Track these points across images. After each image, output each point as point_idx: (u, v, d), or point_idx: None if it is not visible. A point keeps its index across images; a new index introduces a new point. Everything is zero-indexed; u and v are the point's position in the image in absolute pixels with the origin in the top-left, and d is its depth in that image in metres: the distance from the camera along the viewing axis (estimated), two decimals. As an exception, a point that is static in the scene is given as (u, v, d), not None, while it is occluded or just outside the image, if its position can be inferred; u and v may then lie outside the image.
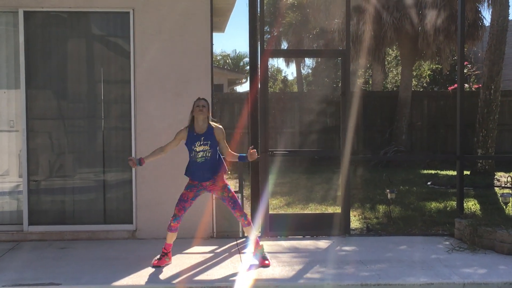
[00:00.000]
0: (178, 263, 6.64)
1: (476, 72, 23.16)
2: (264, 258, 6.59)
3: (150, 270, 6.38)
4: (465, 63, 21.49)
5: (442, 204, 11.03)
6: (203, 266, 6.58)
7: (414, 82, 25.37)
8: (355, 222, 9.33)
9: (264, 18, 8.33)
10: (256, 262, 6.52)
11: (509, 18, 14.98)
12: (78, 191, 8.14)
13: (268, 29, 33.72)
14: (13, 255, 7.10)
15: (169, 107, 7.92)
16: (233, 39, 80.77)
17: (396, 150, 17.90)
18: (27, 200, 7.90)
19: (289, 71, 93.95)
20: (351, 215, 8.67)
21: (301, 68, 38.07)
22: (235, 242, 7.73)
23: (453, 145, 17.09)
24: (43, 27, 8.03)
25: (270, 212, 8.25)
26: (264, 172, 8.08)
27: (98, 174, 8.10)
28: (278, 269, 6.41)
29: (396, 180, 13.74)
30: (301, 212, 10.29)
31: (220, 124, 6.65)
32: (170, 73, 7.95)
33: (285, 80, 46.30)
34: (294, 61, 35.91)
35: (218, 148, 6.54)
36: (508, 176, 12.11)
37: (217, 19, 10.07)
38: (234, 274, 6.23)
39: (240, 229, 8.02)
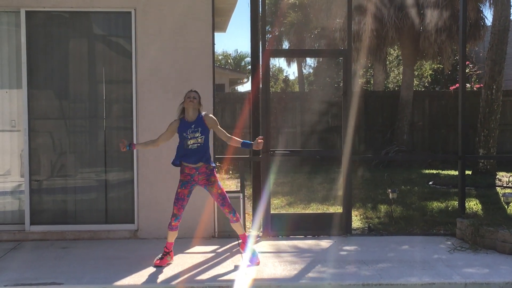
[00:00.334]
0: (179, 263, 6.65)
1: (478, 72, 23.12)
2: (254, 255, 6.65)
3: (151, 269, 6.39)
4: (467, 62, 21.44)
5: (444, 204, 11.02)
6: (205, 266, 6.58)
7: (415, 81, 25.35)
8: (356, 222, 9.33)
9: (265, 18, 8.33)
10: (249, 262, 6.56)
11: (510, 17, 14.96)
12: (79, 190, 8.15)
13: (269, 29, 33.71)
14: (15, 254, 7.11)
15: (171, 106, 7.88)
16: (234, 39, 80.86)
17: (397, 150, 17.89)
18: (29, 199, 7.90)
19: (291, 71, 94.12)
20: (352, 214, 8.67)
21: (303, 68, 38.08)
22: (237, 242, 7.73)
23: (455, 145, 17.10)
24: (45, 27, 8.03)
25: (271, 212, 8.25)
26: (266, 172, 8.08)
27: (100, 174, 8.11)
28: (279, 269, 6.41)
29: (397, 180, 13.74)
30: (303, 212, 10.29)
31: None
32: (172, 73, 7.95)
33: (286, 79, 46.28)
34: (295, 61, 35.92)
35: (209, 137, 6.62)
36: (510, 176, 12.11)
37: (218, 19, 10.08)
38: (236, 274, 6.23)
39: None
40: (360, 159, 13.59)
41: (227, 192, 7.69)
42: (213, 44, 8.06)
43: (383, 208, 10.55)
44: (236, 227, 6.71)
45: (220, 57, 46.26)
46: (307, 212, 10.23)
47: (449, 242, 7.73)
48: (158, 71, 7.94)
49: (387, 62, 26.32)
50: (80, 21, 8.10)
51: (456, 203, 10.04)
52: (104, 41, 8.20)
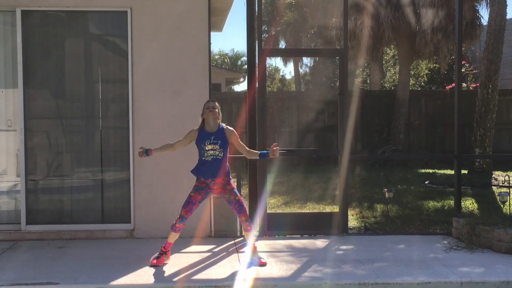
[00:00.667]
0: (176, 262, 6.64)
1: (474, 71, 23.18)
2: (259, 257, 6.60)
3: (148, 269, 6.38)
4: (463, 62, 21.52)
5: (440, 203, 11.04)
6: (201, 265, 6.58)
7: (412, 81, 25.38)
8: (353, 221, 9.34)
9: (262, 17, 8.33)
10: (254, 264, 6.52)
11: (506, 17, 15.00)
12: (76, 190, 8.13)
13: (266, 28, 33.75)
14: (11, 254, 7.10)
15: (167, 106, 7.91)
16: (231, 38, 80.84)
17: (394, 149, 17.92)
18: (25, 199, 7.89)
19: (287, 70, 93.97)
20: (349, 214, 8.68)
21: (299, 67, 38.13)
22: (233, 241, 7.74)
23: (451, 144, 17.15)
24: (41, 27, 8.02)
25: (268, 211, 8.26)
26: (262, 171, 8.08)
27: (96, 174, 8.10)
28: (276, 268, 6.42)
29: (394, 179, 13.75)
30: (299, 211, 10.29)
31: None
32: (168, 72, 7.94)
33: (283, 79, 46.35)
34: (292, 60, 35.96)
35: (228, 150, 6.53)
36: (506, 175, 12.14)
37: (215, 18, 10.07)
38: (232, 273, 6.23)
39: (238, 229, 8.04)
40: (357, 159, 13.61)
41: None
42: (209, 43, 8.06)
43: (379, 207, 10.56)
44: (247, 235, 6.65)
45: (216, 57, 46.29)
46: (303, 211, 10.23)
47: (445, 241, 7.75)
48: (155, 70, 7.93)
49: (384, 62, 26.34)
50: (76, 21, 8.09)
51: (452, 202, 10.06)
52: (100, 41, 8.20)
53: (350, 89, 15.13)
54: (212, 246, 7.49)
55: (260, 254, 6.70)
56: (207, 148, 6.38)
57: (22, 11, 7.84)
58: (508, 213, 8.61)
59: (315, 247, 7.53)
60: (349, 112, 8.32)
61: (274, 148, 6.37)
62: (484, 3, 17.61)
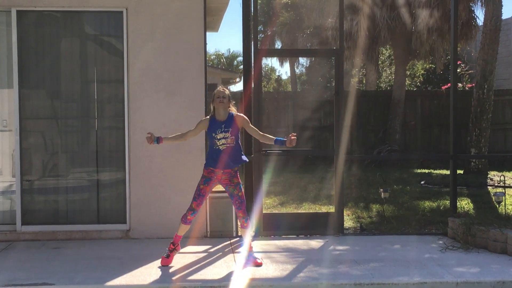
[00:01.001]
0: (172, 263, 6.63)
1: (470, 72, 23.20)
2: (255, 257, 6.59)
3: (143, 269, 6.37)
4: (458, 62, 21.51)
5: (436, 203, 11.06)
6: (197, 266, 6.57)
7: (407, 81, 25.39)
8: (348, 222, 9.34)
9: (257, 18, 8.33)
10: (249, 262, 6.51)
11: (502, 17, 15.03)
12: (71, 190, 8.12)
13: (262, 29, 33.74)
14: (6, 255, 7.08)
15: (163, 106, 7.91)
16: (227, 38, 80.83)
17: (389, 149, 17.93)
18: (20, 200, 7.87)
19: (283, 71, 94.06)
20: (344, 214, 8.68)
21: (295, 67, 38.12)
22: (229, 242, 7.73)
23: (447, 144, 17.15)
24: (36, 27, 8.00)
25: (263, 212, 8.26)
26: (258, 172, 8.08)
27: (92, 174, 8.08)
28: (272, 269, 6.41)
29: (389, 179, 13.76)
30: (295, 211, 10.29)
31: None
32: (164, 73, 7.93)
33: (279, 79, 46.30)
34: (288, 61, 35.95)
35: (239, 137, 6.50)
36: (501, 175, 12.15)
37: (210, 18, 10.06)
38: (228, 274, 6.23)
39: (234, 229, 8.03)
40: (353, 159, 13.62)
41: (220, 192, 7.71)
42: (205, 43, 8.05)
43: (375, 207, 10.57)
44: (244, 233, 6.66)
45: (212, 57, 46.24)
46: (299, 211, 10.23)
47: (440, 242, 7.76)
48: (150, 70, 7.92)
49: (379, 62, 26.36)
50: (71, 21, 8.07)
51: (448, 202, 10.07)
52: (96, 41, 8.18)
53: (346, 89, 15.09)
54: (208, 247, 7.48)
55: (256, 254, 6.70)
56: (218, 137, 6.35)
57: (18, 11, 7.83)
58: (504, 213, 8.62)
59: (311, 247, 7.53)
60: (345, 112, 8.33)
61: (293, 137, 6.32)
62: (479, 4, 17.62)
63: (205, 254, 7.14)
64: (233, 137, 6.40)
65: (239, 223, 6.73)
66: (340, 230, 8.23)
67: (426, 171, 16.24)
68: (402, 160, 18.10)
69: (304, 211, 10.24)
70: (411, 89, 26.61)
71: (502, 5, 14.85)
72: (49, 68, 8.06)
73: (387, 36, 18.68)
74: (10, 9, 7.81)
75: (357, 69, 28.13)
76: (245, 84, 8.16)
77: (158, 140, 6.52)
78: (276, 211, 10.33)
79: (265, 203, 10.39)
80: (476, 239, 7.35)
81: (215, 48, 68.10)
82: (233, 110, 6.54)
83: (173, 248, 6.58)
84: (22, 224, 7.87)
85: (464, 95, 17.51)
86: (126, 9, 7.90)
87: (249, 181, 8.13)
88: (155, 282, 5.99)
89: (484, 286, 5.98)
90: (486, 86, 14.70)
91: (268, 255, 7.06)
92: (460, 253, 7.13)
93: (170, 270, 6.36)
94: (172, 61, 7.94)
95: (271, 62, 64.43)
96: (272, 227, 8.14)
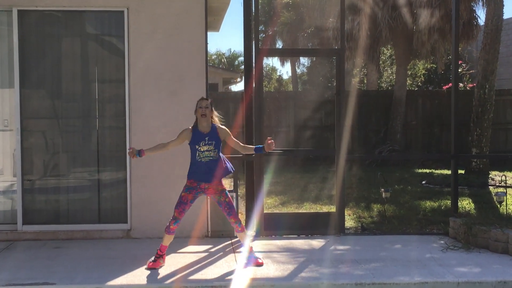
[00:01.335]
0: (173, 263, 6.63)
1: (471, 71, 23.19)
2: (256, 258, 6.58)
3: (144, 269, 6.37)
4: (460, 62, 21.50)
5: (437, 203, 11.05)
6: (198, 266, 6.57)
7: (408, 81, 25.40)
8: (349, 221, 9.34)
9: (258, 17, 8.32)
10: (250, 263, 6.50)
11: (503, 17, 15.00)
12: (72, 190, 8.12)
13: (263, 28, 33.73)
14: (7, 254, 7.08)
15: (164, 106, 7.91)
16: (228, 38, 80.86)
17: (390, 149, 17.92)
18: (21, 199, 7.87)
19: (284, 70, 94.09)
20: (345, 214, 8.68)
21: (296, 67, 38.12)
22: (230, 242, 7.73)
23: (448, 144, 17.12)
24: (37, 26, 8.00)
25: (264, 211, 8.25)
26: (259, 171, 8.08)
27: (93, 174, 8.08)
28: (273, 269, 6.41)
29: (390, 179, 13.75)
30: (296, 211, 10.28)
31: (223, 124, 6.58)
32: (165, 72, 7.93)
33: (280, 79, 46.33)
34: (289, 60, 35.94)
35: (222, 149, 6.46)
36: (503, 175, 12.14)
37: (211, 18, 10.06)
38: (229, 274, 6.23)
39: (235, 229, 8.02)
40: (354, 158, 13.61)
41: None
42: (206, 43, 8.05)
43: (376, 207, 10.56)
44: (241, 237, 6.65)
45: (213, 57, 46.29)
46: (300, 211, 10.22)
47: (442, 241, 7.75)
48: (151, 70, 7.92)
49: (381, 62, 26.35)
50: (72, 20, 8.08)
51: (449, 202, 10.06)
52: (97, 41, 8.18)
53: (347, 89, 15.03)
54: (209, 246, 7.48)
55: (257, 254, 6.70)
56: (202, 149, 6.31)
57: (19, 11, 7.83)
58: (505, 213, 8.62)
59: (312, 247, 7.53)
60: (346, 112, 8.32)
61: (269, 141, 6.29)
62: (480, 3, 17.63)
63: (206, 254, 7.14)
64: (216, 150, 6.36)
65: (234, 228, 6.67)
66: (341, 230, 8.22)
67: (427, 171, 16.23)
68: (403, 160, 18.09)
69: (305, 211, 10.24)
70: (412, 89, 26.62)
71: (503, 5, 14.82)
72: (50, 67, 8.06)
73: (388, 36, 18.67)
74: (11, 8, 7.82)
75: (358, 69, 28.15)
76: (246, 84, 8.16)
77: (140, 153, 6.41)
78: (277, 211, 10.33)
79: (266, 203, 10.39)
80: (478, 239, 7.34)
81: (216, 48, 68.11)
82: (216, 121, 6.47)
83: (160, 255, 6.49)
84: (23, 224, 7.87)
85: (465, 95, 17.51)
86: (127, 8, 7.90)
87: (250, 181, 8.13)
88: (156, 281, 5.99)
89: (485, 286, 5.97)
90: (487, 86, 14.68)
91: (269, 255, 7.06)
92: (461, 253, 7.13)
93: (171, 270, 6.36)
94: (173, 61, 7.94)
95: (272, 62, 64.48)
96: (273, 227, 8.14)
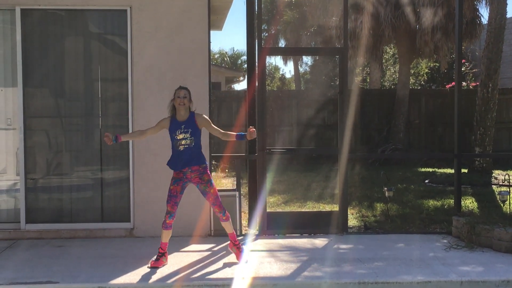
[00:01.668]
0: (175, 261, 6.63)
1: (474, 70, 23.16)
2: (239, 249, 6.67)
3: (147, 268, 6.37)
4: (463, 61, 21.50)
5: (440, 202, 11.04)
6: (201, 264, 6.57)
7: (411, 80, 25.35)
8: (352, 220, 9.33)
9: (261, 16, 8.32)
10: (238, 260, 6.58)
11: (506, 16, 14.99)
12: (75, 189, 8.13)
13: (266, 27, 33.74)
14: (10, 253, 7.09)
15: (167, 105, 7.88)
16: (231, 37, 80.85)
17: (393, 148, 17.91)
18: (25, 198, 7.88)
19: (287, 69, 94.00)
20: (348, 213, 8.68)
21: (299, 66, 38.12)
22: (233, 240, 7.72)
23: (451, 143, 17.13)
24: (40, 25, 8.01)
25: (267, 210, 8.25)
26: (262, 170, 8.07)
27: (96, 172, 8.09)
28: (275, 267, 6.41)
29: (393, 178, 13.73)
30: (299, 210, 10.28)
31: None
32: (168, 71, 7.93)
33: (283, 78, 46.33)
34: (292, 59, 35.95)
35: (200, 137, 6.49)
36: (506, 174, 12.12)
37: (214, 17, 10.06)
38: (232, 272, 6.23)
39: (238, 227, 8.03)
40: (357, 157, 13.61)
41: (224, 190, 7.72)
42: (209, 42, 8.05)
43: (379, 206, 10.55)
44: (226, 226, 6.67)
45: (216, 56, 46.26)
46: (303, 210, 10.22)
47: (445, 240, 7.74)
48: (154, 69, 7.92)
49: (383, 60, 26.32)
50: (75, 19, 8.08)
51: (452, 201, 10.05)
52: (100, 39, 8.18)
53: (350, 88, 15.09)
54: (211, 245, 7.48)
55: (257, 253, 6.69)
56: (178, 138, 6.36)
57: (22, 10, 7.84)
58: (508, 212, 8.60)
59: (314, 246, 7.52)
60: (348, 111, 8.30)
61: (251, 130, 6.42)
62: (484, 2, 17.59)
63: (209, 252, 7.14)
64: (193, 137, 6.38)
65: (219, 218, 6.70)
66: (344, 229, 8.22)
67: (430, 170, 16.22)
68: (406, 159, 18.09)
69: (308, 210, 10.24)
70: (415, 87, 26.58)
71: (506, 4, 14.83)
72: (53, 66, 8.07)
73: (391, 34, 18.64)
74: (14, 7, 7.82)
75: (361, 68, 28.13)
76: (249, 83, 8.16)
77: (117, 138, 6.47)
78: (280, 210, 10.33)
79: (269, 201, 10.38)
80: (481, 238, 7.33)
81: (219, 47, 68.14)
82: (193, 108, 6.53)
83: (162, 254, 6.52)
84: (26, 223, 7.88)
85: (468, 94, 17.48)
86: (130, 7, 7.90)
87: (253, 179, 8.12)
88: (159, 280, 6.00)
89: (488, 285, 5.96)
90: (490, 85, 14.67)
91: (272, 253, 7.06)
92: (464, 252, 7.12)
93: (174, 269, 6.36)
94: (176, 59, 7.94)
95: (275, 60, 64.46)
96: (275, 225, 8.13)
